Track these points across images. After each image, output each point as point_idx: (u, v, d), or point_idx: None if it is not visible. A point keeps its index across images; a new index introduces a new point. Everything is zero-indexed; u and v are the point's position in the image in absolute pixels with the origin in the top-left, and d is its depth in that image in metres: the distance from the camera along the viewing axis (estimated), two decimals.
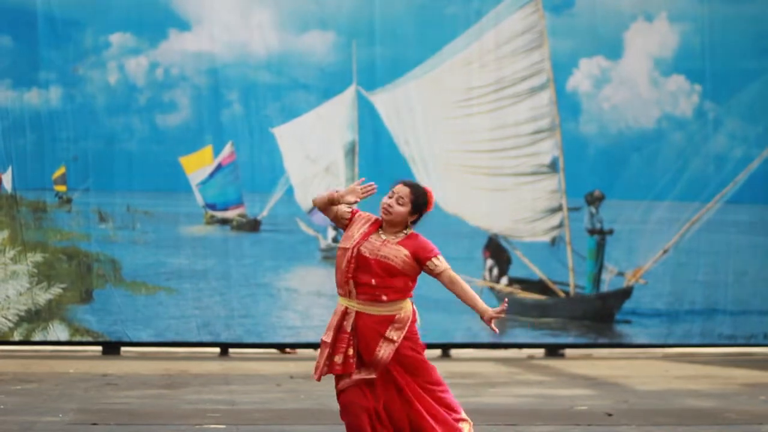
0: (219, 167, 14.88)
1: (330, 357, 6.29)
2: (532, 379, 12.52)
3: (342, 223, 6.43)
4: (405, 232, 6.38)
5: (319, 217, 14.97)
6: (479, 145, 15.16)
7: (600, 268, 15.30)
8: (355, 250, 6.25)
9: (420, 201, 6.41)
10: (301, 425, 8.93)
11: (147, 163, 14.66)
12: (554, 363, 14.35)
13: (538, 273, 15.21)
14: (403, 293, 6.31)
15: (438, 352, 15.03)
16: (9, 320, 14.17)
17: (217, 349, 14.73)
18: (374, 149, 15.01)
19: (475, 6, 15.10)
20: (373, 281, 6.22)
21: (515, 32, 15.17)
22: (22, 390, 10.85)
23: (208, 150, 14.85)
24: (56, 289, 14.24)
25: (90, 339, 14.42)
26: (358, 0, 15.01)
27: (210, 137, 14.83)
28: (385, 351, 6.24)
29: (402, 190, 6.40)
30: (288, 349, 15.01)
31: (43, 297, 14.22)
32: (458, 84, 15.12)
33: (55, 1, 14.40)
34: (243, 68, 14.86)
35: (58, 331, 14.26)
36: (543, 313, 15.21)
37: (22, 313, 14.21)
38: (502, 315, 6.25)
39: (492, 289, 15.16)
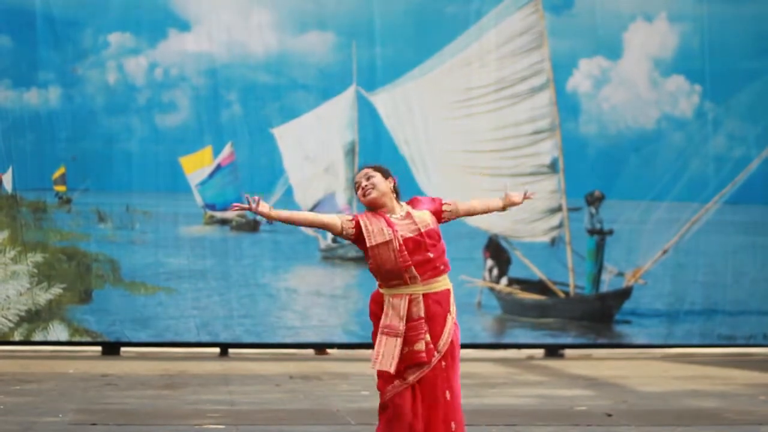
0: (218, 167, 14.88)
1: (408, 345, 6.08)
2: (532, 380, 12.51)
3: (351, 234, 6.27)
4: (403, 202, 6.34)
5: None
6: (479, 146, 15.15)
7: (600, 268, 15.30)
8: (399, 236, 6.14)
9: (382, 168, 6.35)
10: (301, 426, 8.93)
11: (146, 164, 14.66)
12: (554, 363, 14.34)
13: (538, 273, 15.21)
14: (445, 257, 6.28)
15: None
16: (9, 320, 14.17)
17: (217, 350, 14.73)
18: (374, 149, 15.01)
19: (475, 6, 15.10)
20: (431, 254, 6.17)
21: (515, 33, 15.17)
22: (21, 390, 10.85)
23: (207, 150, 14.85)
24: (56, 290, 14.25)
25: (89, 339, 14.43)
26: (357, 0, 15.01)
27: (209, 137, 14.83)
28: (450, 328, 6.18)
29: (363, 172, 6.31)
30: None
31: (43, 297, 14.22)
32: (458, 84, 15.12)
33: (54, 1, 14.39)
34: (242, 68, 14.86)
35: (57, 331, 14.26)
36: (543, 314, 15.22)
37: (22, 314, 14.21)
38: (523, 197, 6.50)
39: (492, 289, 15.16)
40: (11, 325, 14.18)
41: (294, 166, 14.95)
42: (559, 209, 15.25)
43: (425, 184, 15.03)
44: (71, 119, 14.46)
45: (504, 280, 15.18)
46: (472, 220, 15.12)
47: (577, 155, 15.33)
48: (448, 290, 6.24)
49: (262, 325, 14.73)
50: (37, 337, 14.29)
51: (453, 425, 6.16)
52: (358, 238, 6.22)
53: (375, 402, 10.46)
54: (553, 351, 15.28)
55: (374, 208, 6.28)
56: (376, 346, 6.12)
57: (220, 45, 14.80)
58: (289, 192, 14.87)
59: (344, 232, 6.25)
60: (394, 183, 6.32)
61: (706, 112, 15.53)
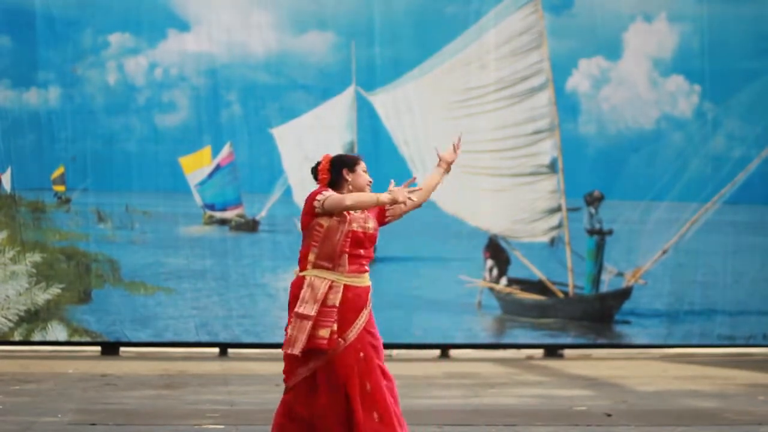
0: (218, 167, 14.87)
1: (311, 330, 6.29)
2: (532, 380, 12.51)
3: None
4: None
5: None
6: (478, 146, 15.14)
7: (599, 268, 15.29)
8: (349, 225, 6.37)
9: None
10: None
11: (146, 164, 14.65)
12: (553, 363, 14.34)
13: (537, 273, 15.21)
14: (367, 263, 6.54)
15: (437, 352, 15.02)
16: (8, 320, 14.17)
17: (216, 349, 14.73)
18: (373, 150, 14.99)
19: (475, 6, 15.10)
20: (362, 251, 6.41)
21: (514, 33, 15.16)
22: (21, 390, 10.84)
23: (206, 150, 14.85)
24: (55, 290, 14.24)
25: (89, 339, 14.42)
26: (357, 0, 15.00)
27: (209, 137, 14.82)
28: (363, 322, 6.37)
29: (365, 166, 6.59)
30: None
31: (42, 297, 14.21)
32: (457, 84, 15.11)
33: (54, 1, 14.39)
34: (242, 69, 14.86)
35: (57, 331, 14.26)
36: (543, 314, 15.21)
37: (22, 313, 14.20)
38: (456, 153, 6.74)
39: (492, 289, 15.15)
40: (10, 325, 14.18)
41: (293, 166, 14.94)
42: (558, 209, 15.24)
43: None
44: (71, 119, 14.46)
45: (504, 281, 15.18)
46: (471, 220, 15.12)
47: (577, 155, 15.33)
48: (369, 287, 6.47)
49: (262, 325, 14.73)
50: (37, 337, 14.28)
51: (375, 415, 6.29)
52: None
53: None
54: (553, 351, 15.28)
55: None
56: (289, 329, 6.36)
57: (220, 45, 14.80)
58: (288, 192, 14.87)
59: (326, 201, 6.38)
60: None
61: (705, 112, 15.53)
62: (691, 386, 11.96)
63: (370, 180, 6.53)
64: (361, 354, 6.32)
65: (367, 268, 6.47)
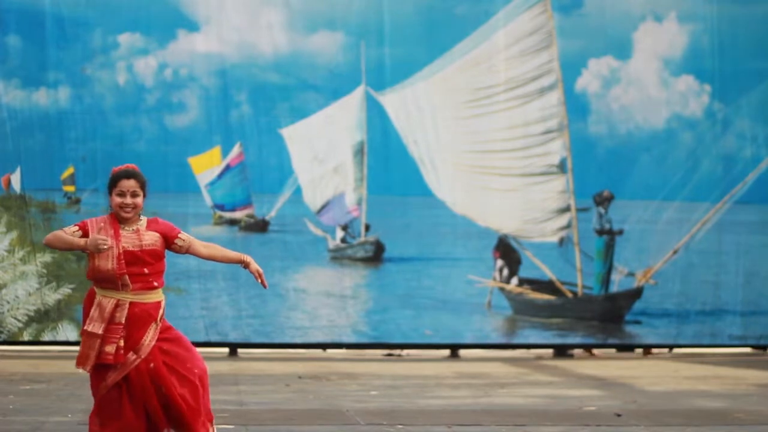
0: (227, 168, 14.88)
1: (100, 347, 6.50)
2: (542, 380, 12.50)
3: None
4: (142, 218, 6.77)
5: (328, 218, 14.98)
6: (488, 146, 15.14)
7: (609, 268, 15.27)
8: (120, 247, 6.56)
9: (144, 181, 6.81)
10: (310, 426, 8.92)
11: (155, 164, 14.66)
12: (563, 363, 14.32)
13: (548, 273, 15.19)
14: (162, 276, 6.73)
15: (447, 352, 15.01)
16: (18, 320, 14.19)
17: (226, 350, 14.73)
18: (383, 150, 15.00)
19: (484, 7, 15.09)
20: (146, 270, 6.60)
21: (524, 33, 15.15)
22: (31, 390, 10.86)
23: (216, 151, 14.86)
24: (65, 290, 14.26)
25: None
26: (366, 0, 15.00)
27: (218, 138, 14.83)
28: (153, 336, 6.58)
29: (132, 187, 6.78)
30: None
31: (52, 297, 14.23)
32: (467, 84, 15.10)
33: (64, 1, 14.41)
34: (252, 69, 14.86)
35: (67, 331, 14.28)
36: (553, 314, 15.19)
37: (32, 314, 14.22)
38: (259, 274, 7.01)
39: (502, 289, 15.14)
40: (20, 325, 14.20)
41: (303, 166, 14.94)
42: (567, 209, 15.22)
43: (434, 184, 15.03)
44: (80, 119, 14.47)
45: (514, 280, 15.17)
46: (481, 220, 15.11)
47: (587, 155, 15.31)
48: (159, 302, 6.67)
49: (271, 325, 14.73)
50: (47, 337, 14.30)
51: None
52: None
53: (385, 402, 10.48)
54: (563, 351, 15.26)
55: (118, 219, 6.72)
56: (81, 346, 6.56)
57: (230, 45, 14.81)
58: (298, 192, 14.87)
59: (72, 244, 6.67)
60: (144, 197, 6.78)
61: (715, 111, 15.50)
62: (701, 386, 11.94)
63: (122, 202, 6.73)
64: (151, 365, 6.55)
65: (155, 284, 6.67)
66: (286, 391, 11.10)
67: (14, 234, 14.27)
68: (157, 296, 6.67)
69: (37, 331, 14.26)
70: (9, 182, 14.33)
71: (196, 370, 6.67)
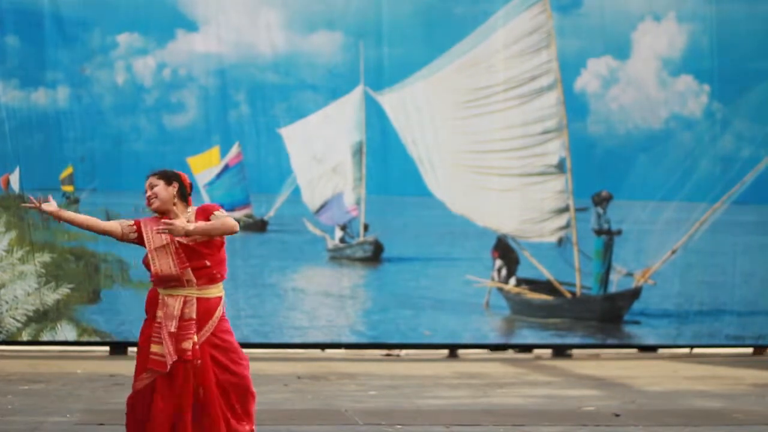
0: (226, 168, 14.88)
1: (177, 343, 6.52)
2: (540, 380, 12.50)
3: (134, 237, 6.87)
4: (190, 210, 6.71)
5: (326, 217, 14.98)
6: (487, 146, 15.14)
7: (608, 268, 15.27)
8: (176, 242, 6.55)
9: (167, 174, 6.80)
10: (309, 425, 8.93)
11: (154, 164, 14.53)
12: (562, 363, 14.33)
13: (546, 273, 15.19)
14: (225, 265, 6.65)
15: (445, 352, 15.01)
16: (17, 320, 14.18)
17: None
18: (382, 149, 15.00)
19: (483, 6, 15.09)
20: (208, 262, 6.52)
21: (523, 32, 15.15)
22: (29, 390, 10.86)
23: (215, 150, 14.86)
24: (64, 290, 14.25)
25: (97, 339, 14.43)
26: (365, 0, 15.00)
27: (217, 138, 14.83)
28: (206, 331, 6.56)
29: (150, 180, 6.86)
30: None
31: (51, 297, 14.23)
32: (466, 84, 15.11)
33: (63, 1, 14.40)
34: (250, 69, 14.86)
35: (65, 331, 14.27)
36: (552, 314, 15.19)
37: (30, 314, 14.22)
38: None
39: (500, 289, 15.14)
40: (19, 325, 14.20)
41: (302, 166, 14.94)
42: (566, 209, 15.22)
43: (433, 184, 15.03)
44: (79, 119, 14.47)
45: (513, 281, 15.17)
46: (479, 220, 15.11)
47: (585, 155, 15.31)
48: (220, 298, 6.62)
49: (270, 325, 14.73)
50: (45, 337, 14.30)
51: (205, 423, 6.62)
52: (141, 241, 6.79)
53: (383, 402, 10.48)
54: (561, 351, 15.26)
55: (159, 214, 6.74)
56: (152, 349, 6.64)
57: (228, 45, 14.81)
58: (296, 192, 14.87)
59: (125, 237, 6.86)
60: (178, 188, 6.72)
61: (714, 112, 15.50)
62: (699, 386, 11.95)
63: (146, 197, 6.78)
64: (198, 361, 6.53)
65: (218, 276, 6.63)
66: (285, 391, 11.10)
67: (13, 234, 14.27)
68: (218, 291, 6.60)
69: (35, 331, 14.25)
70: (8, 182, 14.32)
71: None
